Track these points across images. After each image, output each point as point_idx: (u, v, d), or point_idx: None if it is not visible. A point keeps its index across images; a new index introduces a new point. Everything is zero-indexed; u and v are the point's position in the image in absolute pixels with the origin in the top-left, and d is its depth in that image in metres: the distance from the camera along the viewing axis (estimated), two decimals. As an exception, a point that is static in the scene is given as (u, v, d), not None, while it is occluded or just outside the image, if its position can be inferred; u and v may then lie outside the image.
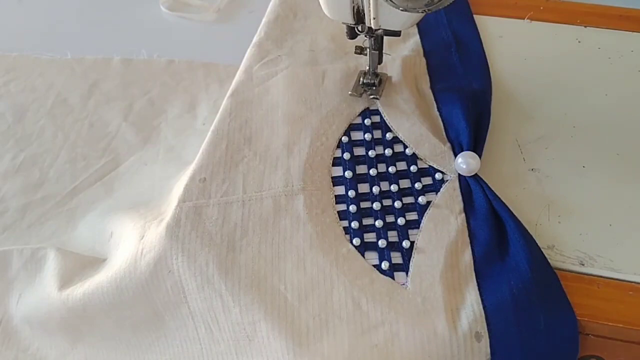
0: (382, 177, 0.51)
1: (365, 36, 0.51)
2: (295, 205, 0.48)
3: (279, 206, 0.48)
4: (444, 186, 0.50)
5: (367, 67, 0.56)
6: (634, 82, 0.59)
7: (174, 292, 0.45)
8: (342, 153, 0.52)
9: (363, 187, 0.50)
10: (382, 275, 0.45)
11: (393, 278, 0.45)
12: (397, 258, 0.46)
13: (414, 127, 0.53)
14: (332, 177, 0.51)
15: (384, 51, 0.55)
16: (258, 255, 0.45)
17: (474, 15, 0.66)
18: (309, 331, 0.42)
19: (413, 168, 0.51)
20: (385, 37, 0.53)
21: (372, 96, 0.55)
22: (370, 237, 0.47)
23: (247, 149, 0.52)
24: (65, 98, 0.70)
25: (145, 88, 0.71)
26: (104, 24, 0.80)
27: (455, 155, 0.51)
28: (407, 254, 0.46)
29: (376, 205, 0.49)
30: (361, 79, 0.56)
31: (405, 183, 0.51)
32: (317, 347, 0.42)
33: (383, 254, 0.46)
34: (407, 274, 0.45)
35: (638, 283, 0.44)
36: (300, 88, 0.57)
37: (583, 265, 0.45)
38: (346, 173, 0.50)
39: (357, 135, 0.54)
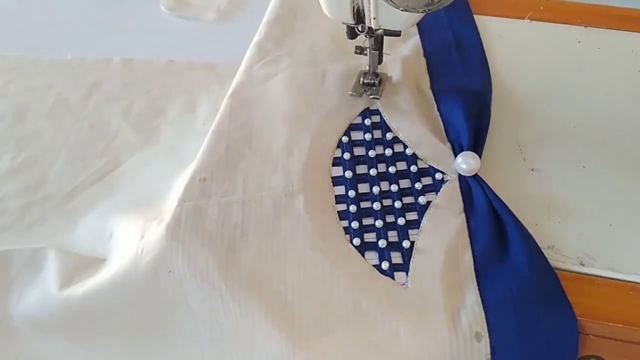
0: (382, 177, 0.51)
1: (365, 36, 0.51)
2: (295, 205, 0.48)
3: (279, 206, 0.48)
4: (444, 186, 0.50)
5: (367, 67, 0.56)
6: (634, 82, 0.59)
7: (174, 292, 0.45)
8: (342, 153, 0.52)
9: (363, 187, 0.50)
10: (382, 275, 0.45)
11: (393, 278, 0.45)
12: (397, 258, 0.46)
13: (414, 127, 0.53)
14: (332, 177, 0.51)
15: (384, 51, 0.55)
16: (258, 255, 0.45)
17: (474, 15, 0.66)
18: (309, 331, 0.42)
19: (413, 168, 0.51)
20: (385, 37, 0.53)
21: (372, 96, 0.55)
22: (370, 237, 0.47)
23: (247, 149, 0.52)
24: (65, 98, 0.70)
25: (145, 88, 0.71)
26: (104, 24, 0.80)
27: (455, 155, 0.51)
28: (407, 254, 0.46)
29: (376, 205, 0.49)
30: (361, 79, 0.56)
31: (405, 183, 0.51)
32: (317, 347, 0.41)
33: (383, 254, 0.46)
34: (407, 274, 0.45)
35: (638, 283, 0.44)
36: (300, 88, 0.57)
37: (583, 265, 0.45)
38: (346, 173, 0.50)
39: (357, 135, 0.54)
